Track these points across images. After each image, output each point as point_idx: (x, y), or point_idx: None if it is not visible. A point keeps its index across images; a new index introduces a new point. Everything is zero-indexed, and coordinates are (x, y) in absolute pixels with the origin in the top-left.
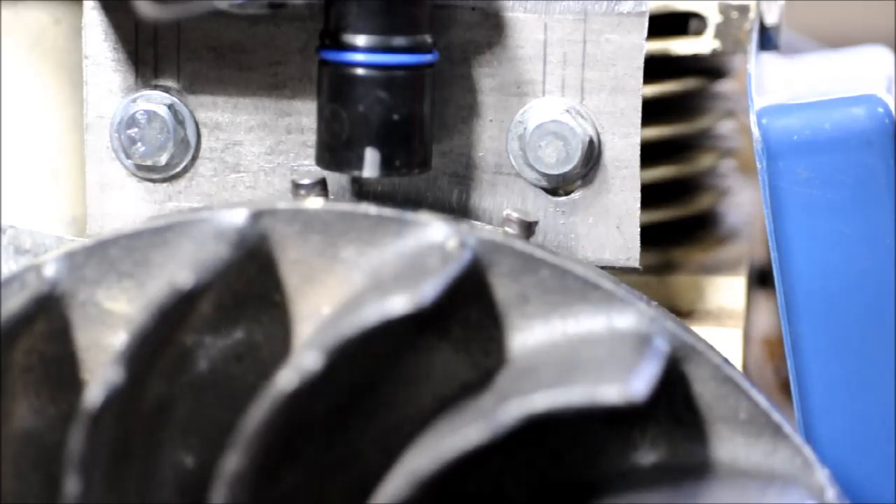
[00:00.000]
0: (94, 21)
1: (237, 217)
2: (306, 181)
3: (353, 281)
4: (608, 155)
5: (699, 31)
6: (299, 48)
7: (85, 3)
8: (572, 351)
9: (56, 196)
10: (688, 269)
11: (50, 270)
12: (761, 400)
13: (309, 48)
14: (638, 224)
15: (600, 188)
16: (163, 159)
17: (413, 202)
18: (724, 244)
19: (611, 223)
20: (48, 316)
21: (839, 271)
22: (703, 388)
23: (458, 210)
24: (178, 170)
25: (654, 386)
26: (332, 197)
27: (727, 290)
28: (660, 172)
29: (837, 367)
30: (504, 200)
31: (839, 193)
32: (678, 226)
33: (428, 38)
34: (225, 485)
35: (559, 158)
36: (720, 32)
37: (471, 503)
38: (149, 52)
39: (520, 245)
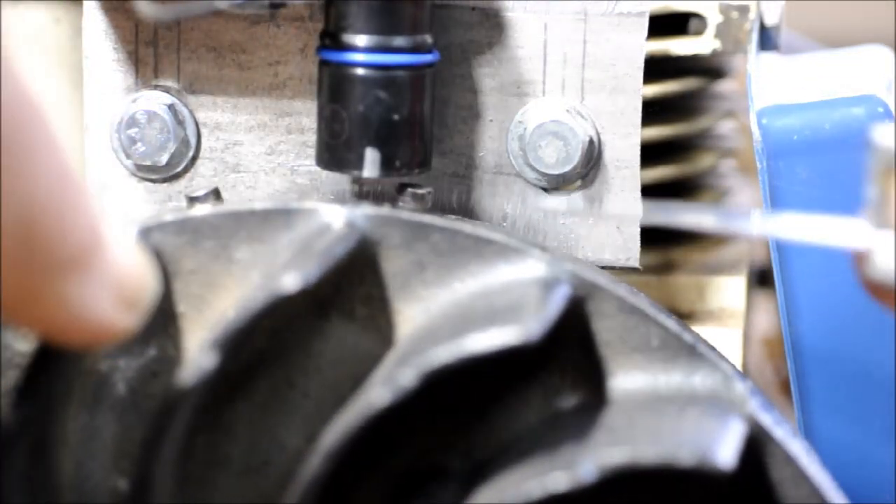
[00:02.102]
0: (94, 21)
1: None
2: (200, 192)
3: (252, 279)
4: (608, 155)
5: (699, 31)
6: (299, 48)
7: (85, 3)
8: (471, 306)
9: None
10: (688, 269)
11: None
12: (671, 324)
13: (309, 48)
14: (638, 224)
15: (600, 188)
16: (163, 159)
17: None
18: (724, 244)
19: (611, 223)
20: None
21: (839, 271)
22: (613, 322)
23: (459, 210)
24: (178, 170)
25: (550, 324)
26: (224, 201)
27: (727, 290)
28: (660, 172)
29: (837, 367)
30: (504, 200)
31: (839, 193)
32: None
33: (428, 38)
34: None
35: (559, 158)
36: (720, 32)
37: (412, 480)
38: (149, 52)
39: (406, 214)
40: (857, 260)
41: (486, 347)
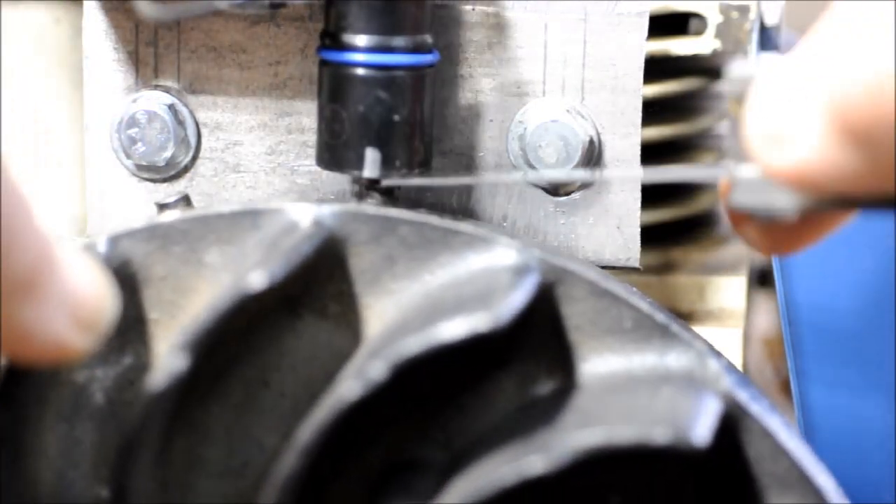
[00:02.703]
0: (94, 21)
1: (97, 245)
2: (170, 199)
3: (223, 282)
4: (608, 155)
5: (699, 31)
6: (299, 48)
7: (85, 3)
8: (442, 297)
9: (56, 196)
10: (688, 269)
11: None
12: (643, 305)
13: (309, 48)
14: (638, 224)
15: (600, 188)
16: (163, 159)
17: (413, 202)
18: (724, 244)
19: (611, 223)
20: None
21: (839, 271)
22: (584, 306)
23: (459, 210)
24: (178, 170)
25: (518, 309)
26: (195, 206)
27: (727, 290)
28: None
29: (837, 367)
30: (504, 200)
31: None
32: (678, 226)
33: (428, 38)
34: None
35: (559, 158)
36: (720, 32)
37: (390, 473)
38: (149, 52)
39: (372, 209)
40: (722, 190)
41: (454, 335)
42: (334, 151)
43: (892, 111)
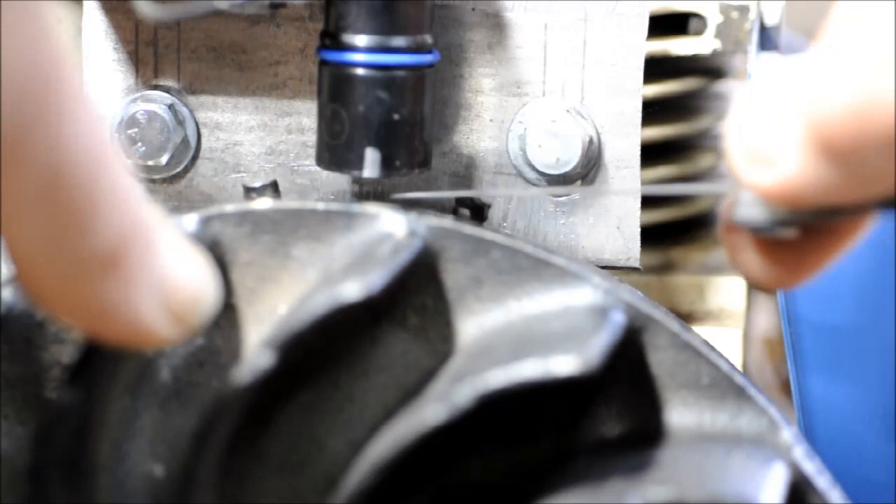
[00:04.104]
0: (94, 21)
1: (187, 224)
2: (257, 184)
3: (308, 278)
4: (608, 155)
5: (699, 31)
6: (299, 48)
7: (85, 3)
8: (528, 329)
9: None
10: (688, 269)
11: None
12: (722, 363)
13: (309, 48)
14: (638, 224)
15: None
16: (163, 159)
17: (413, 202)
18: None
19: (611, 223)
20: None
21: (839, 271)
22: (664, 356)
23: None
24: (178, 170)
25: (608, 355)
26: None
27: (727, 290)
28: (660, 172)
29: (837, 368)
30: (504, 201)
31: None
32: (678, 226)
33: (428, 38)
34: None
35: (559, 158)
36: (720, 32)
37: (448, 494)
38: (149, 52)
39: (468, 229)
40: (724, 207)
41: (544, 374)
42: (334, 151)
43: (874, 131)
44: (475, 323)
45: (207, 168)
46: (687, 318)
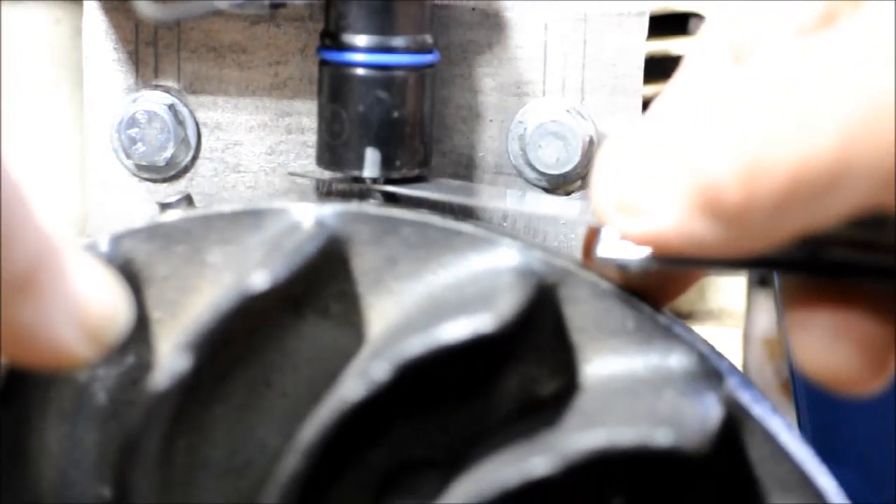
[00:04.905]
0: (94, 21)
1: (99, 245)
2: (172, 199)
3: (225, 281)
4: None
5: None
6: (299, 48)
7: (85, 3)
8: (444, 297)
9: (56, 195)
10: None
11: None
12: (644, 307)
13: (309, 48)
14: None
15: None
16: (163, 159)
17: (413, 202)
18: None
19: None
20: None
21: None
22: (587, 308)
23: (459, 210)
24: (178, 170)
25: (521, 311)
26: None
27: (727, 290)
28: None
29: None
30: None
31: None
32: None
33: (428, 38)
34: None
35: (559, 158)
36: None
37: (394, 474)
38: (149, 52)
39: (374, 209)
40: (588, 236)
41: (458, 337)
42: (334, 151)
43: (766, 193)
44: (395, 301)
45: (207, 168)
46: (687, 318)
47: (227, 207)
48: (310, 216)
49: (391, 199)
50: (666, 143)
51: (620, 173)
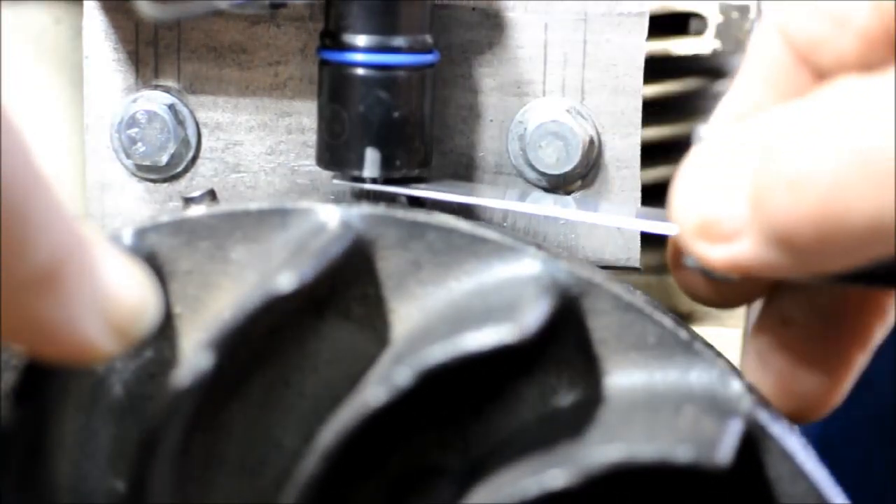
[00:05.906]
0: (94, 21)
1: (123, 238)
2: (195, 193)
3: (248, 279)
4: (608, 155)
5: (699, 31)
6: (299, 48)
7: (85, 3)
8: (467, 305)
9: None
10: None
11: None
12: (667, 322)
13: (309, 48)
14: None
15: (600, 188)
16: (163, 159)
17: (413, 202)
18: None
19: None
20: None
21: None
22: (609, 320)
23: (459, 211)
24: (178, 170)
25: (545, 322)
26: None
27: None
28: (660, 172)
29: None
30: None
31: None
32: None
33: (428, 38)
34: None
35: (559, 158)
36: (720, 32)
37: (410, 479)
38: (149, 52)
39: (401, 213)
40: (673, 247)
41: (481, 346)
42: (334, 151)
43: (841, 242)
44: (418, 306)
45: (207, 168)
46: (687, 318)
47: (253, 205)
48: (336, 217)
49: (416, 203)
50: (742, 176)
51: (703, 195)
